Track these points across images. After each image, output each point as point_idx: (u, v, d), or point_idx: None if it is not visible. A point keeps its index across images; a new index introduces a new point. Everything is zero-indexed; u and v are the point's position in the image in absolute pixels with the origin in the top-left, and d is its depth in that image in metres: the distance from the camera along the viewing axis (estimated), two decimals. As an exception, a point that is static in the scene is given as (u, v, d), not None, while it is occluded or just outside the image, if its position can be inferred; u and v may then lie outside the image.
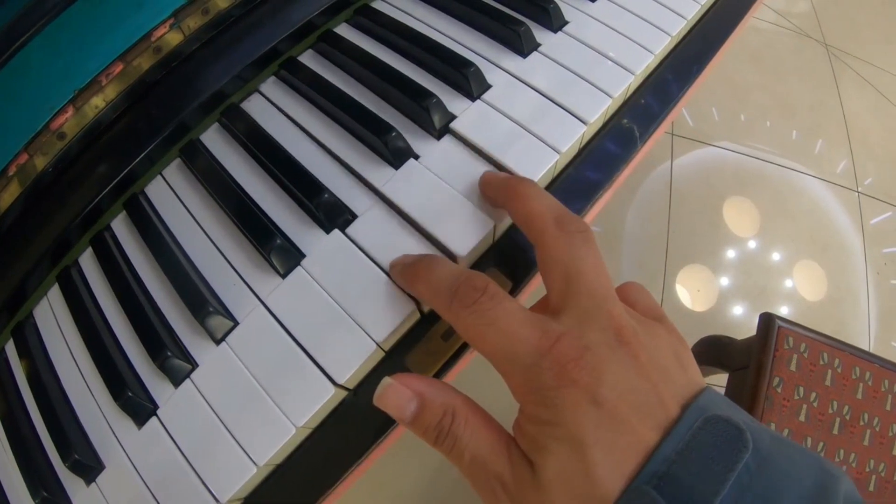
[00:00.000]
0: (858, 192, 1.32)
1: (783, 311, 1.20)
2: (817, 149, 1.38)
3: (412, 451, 0.87)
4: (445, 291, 0.23)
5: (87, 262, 0.35)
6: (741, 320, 1.18)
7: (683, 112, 1.39)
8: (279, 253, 0.27)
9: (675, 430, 0.19)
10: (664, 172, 1.31)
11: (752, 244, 1.26)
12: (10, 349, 0.34)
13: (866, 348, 1.07)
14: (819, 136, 1.40)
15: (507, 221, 0.29)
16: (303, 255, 0.28)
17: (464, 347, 0.28)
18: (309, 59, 0.36)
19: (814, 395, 0.69)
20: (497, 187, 0.26)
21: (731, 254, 1.24)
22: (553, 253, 0.22)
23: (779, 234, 1.27)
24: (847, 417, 0.69)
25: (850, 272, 1.24)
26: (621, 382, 0.20)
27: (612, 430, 0.19)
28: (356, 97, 0.32)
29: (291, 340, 0.26)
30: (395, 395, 0.23)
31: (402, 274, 0.25)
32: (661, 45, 0.36)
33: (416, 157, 0.30)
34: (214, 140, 0.35)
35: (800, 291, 1.23)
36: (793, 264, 1.25)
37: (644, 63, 0.35)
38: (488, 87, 0.33)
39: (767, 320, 0.72)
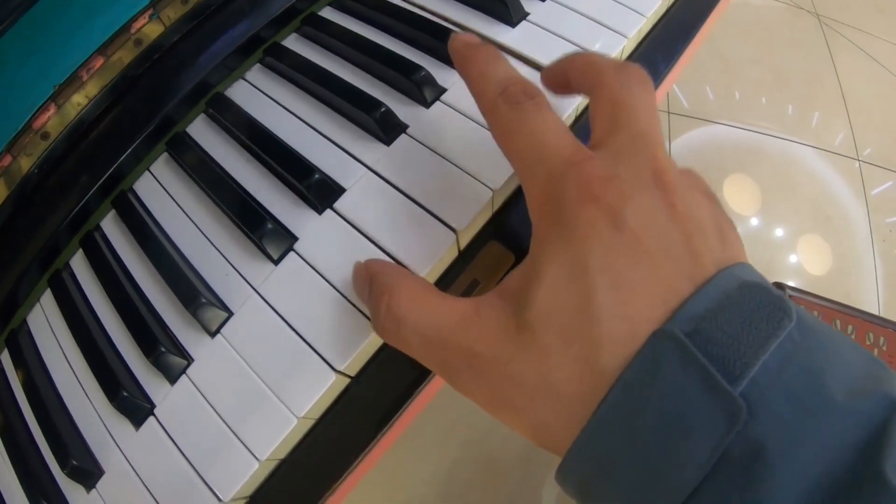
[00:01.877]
0: (859, 161, 1.30)
1: (790, 285, 1.19)
2: (815, 121, 1.36)
3: (426, 449, 0.86)
4: (495, 83, 0.21)
5: (79, 265, 0.34)
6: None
7: (677, 92, 1.38)
8: (270, 238, 0.26)
9: (707, 287, 0.17)
10: (662, 153, 1.29)
11: (754, 221, 1.25)
12: (6, 358, 0.33)
13: (877, 317, 1.06)
14: (816, 108, 1.38)
15: (505, 191, 0.28)
16: (295, 239, 0.27)
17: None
18: (294, 42, 0.35)
19: (827, 365, 0.68)
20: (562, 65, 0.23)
21: (734, 232, 1.22)
22: (607, 92, 0.20)
23: (781, 209, 1.25)
24: (863, 387, 0.68)
25: (854, 243, 1.22)
26: (650, 217, 0.18)
27: (627, 260, 0.17)
28: (343, 76, 0.31)
29: (288, 328, 0.25)
30: (355, 277, 0.23)
31: (461, 51, 0.23)
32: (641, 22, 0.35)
33: (406, 128, 0.29)
34: (201, 131, 0.34)
35: (805, 265, 1.21)
36: (796, 238, 1.23)
37: (636, 27, 0.34)
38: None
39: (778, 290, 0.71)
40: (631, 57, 0.36)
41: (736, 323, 0.15)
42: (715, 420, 0.14)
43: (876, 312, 1.15)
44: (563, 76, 0.23)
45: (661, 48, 0.37)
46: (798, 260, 1.22)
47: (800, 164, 1.31)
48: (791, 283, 1.20)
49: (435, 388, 0.29)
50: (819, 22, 1.52)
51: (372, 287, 0.21)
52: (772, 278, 1.19)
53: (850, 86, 1.41)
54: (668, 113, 1.33)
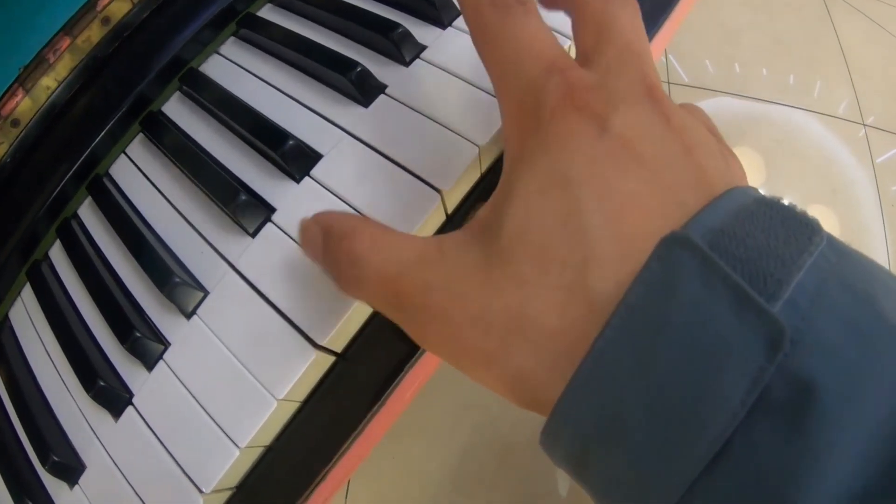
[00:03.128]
0: (865, 127, 1.26)
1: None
2: (818, 88, 1.32)
3: (438, 435, 0.85)
4: None
5: (57, 255, 0.32)
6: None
7: (676, 65, 1.34)
8: (244, 210, 0.25)
9: (718, 201, 0.14)
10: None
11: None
12: (-13, 356, 0.32)
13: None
14: (818, 74, 1.34)
15: (493, 150, 0.26)
16: (272, 210, 0.25)
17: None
18: (268, 12, 0.34)
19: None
20: None
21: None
22: (590, 8, 0.18)
23: (786, 178, 1.21)
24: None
25: (863, 211, 1.18)
26: (643, 126, 0.15)
27: (617, 169, 0.14)
28: (319, 40, 0.30)
29: (266, 304, 0.24)
30: (304, 231, 0.19)
31: None
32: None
33: (384, 88, 0.27)
34: (176, 109, 0.32)
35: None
36: (803, 208, 1.20)
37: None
38: (458, 14, 0.30)
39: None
40: None
41: (759, 237, 0.12)
42: (751, 349, 0.11)
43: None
44: None
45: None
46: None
47: (804, 132, 1.27)
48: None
49: (431, 367, 0.28)
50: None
51: (328, 238, 0.18)
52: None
53: (852, 51, 1.37)
54: (668, 83, 1.30)
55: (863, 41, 1.39)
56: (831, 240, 0.13)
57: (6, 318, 0.33)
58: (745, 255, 0.12)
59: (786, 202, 0.14)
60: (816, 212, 1.18)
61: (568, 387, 0.13)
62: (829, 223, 1.19)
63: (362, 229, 0.18)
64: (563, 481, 0.82)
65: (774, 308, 0.11)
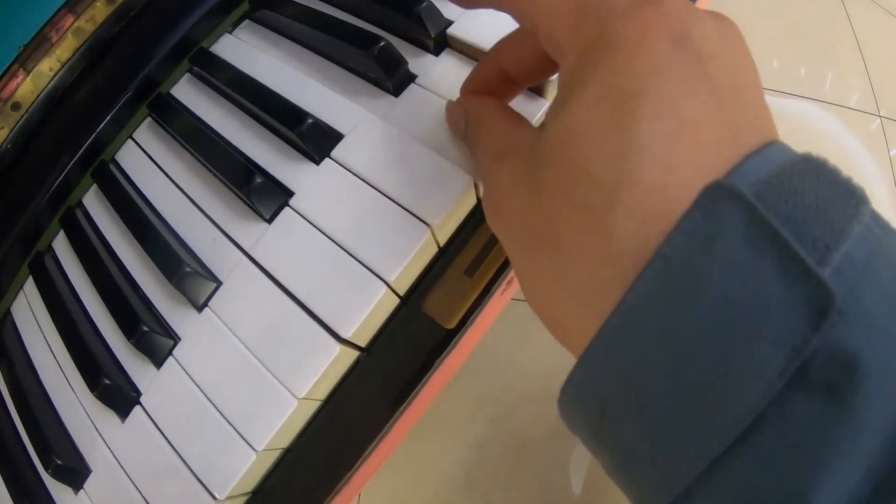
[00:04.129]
0: (880, 118, 1.23)
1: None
2: (830, 79, 1.29)
3: (452, 430, 0.83)
4: None
5: (61, 245, 0.31)
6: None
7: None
8: (260, 193, 0.23)
9: (769, 149, 0.12)
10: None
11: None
12: (-12, 353, 0.30)
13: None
14: (832, 65, 1.31)
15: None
16: (290, 194, 0.23)
17: (491, 285, 0.23)
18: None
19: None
20: None
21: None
22: None
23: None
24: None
25: (876, 202, 1.15)
26: (721, 43, 0.13)
27: (685, 87, 0.12)
28: (339, 18, 0.28)
29: (284, 294, 0.22)
30: (451, 114, 0.21)
31: None
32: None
33: (413, 76, 0.25)
34: (186, 91, 0.30)
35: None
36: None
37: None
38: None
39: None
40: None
41: (809, 195, 0.11)
42: (796, 315, 0.10)
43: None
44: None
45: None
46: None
47: (817, 123, 1.24)
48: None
49: (459, 360, 0.26)
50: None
51: (468, 124, 0.20)
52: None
53: (866, 41, 1.34)
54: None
55: (878, 32, 1.37)
56: (875, 213, 0.12)
57: (8, 313, 0.32)
58: (792, 213, 0.11)
59: (829, 161, 0.12)
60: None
61: (589, 348, 0.12)
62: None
63: (490, 117, 0.19)
64: (577, 478, 0.80)
65: (824, 273, 0.10)
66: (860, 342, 0.10)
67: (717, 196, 0.11)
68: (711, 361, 0.11)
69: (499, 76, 0.20)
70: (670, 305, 0.11)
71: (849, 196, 0.11)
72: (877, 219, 0.12)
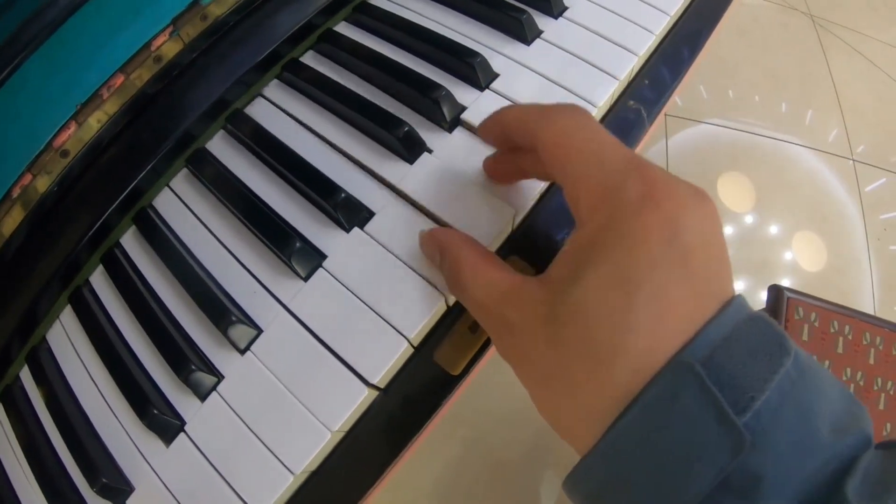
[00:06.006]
0: (853, 160, 1.32)
1: (785, 283, 1.21)
2: (808, 119, 1.38)
3: (434, 446, 0.86)
4: (538, 106, 0.22)
5: (99, 281, 0.34)
6: (746, 295, 1.17)
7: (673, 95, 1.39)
8: (300, 256, 0.27)
9: (724, 314, 0.18)
10: (660, 152, 1.31)
11: (749, 218, 1.26)
12: (26, 376, 0.33)
13: (871, 315, 1.07)
14: (810, 107, 1.40)
15: (527, 208, 0.28)
16: (324, 257, 0.27)
17: (490, 340, 0.28)
18: (311, 59, 0.36)
19: (827, 363, 0.70)
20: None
21: (729, 230, 1.24)
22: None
23: (776, 207, 1.27)
24: (861, 383, 0.70)
25: (849, 240, 1.24)
26: (700, 234, 0.18)
27: (671, 277, 0.17)
28: (362, 94, 0.32)
29: (319, 344, 0.26)
30: (425, 245, 0.25)
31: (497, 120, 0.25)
32: (661, 25, 0.36)
33: (430, 150, 0.30)
34: (221, 147, 0.34)
35: (800, 263, 1.23)
36: (791, 236, 1.25)
37: (647, 44, 0.35)
38: (495, 75, 0.32)
39: (776, 292, 0.72)
40: (640, 72, 0.37)
41: (743, 355, 0.17)
42: (722, 449, 0.16)
43: (871, 310, 1.17)
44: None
45: (668, 62, 0.37)
46: (793, 257, 1.23)
47: (794, 162, 1.32)
48: (787, 282, 1.22)
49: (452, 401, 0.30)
50: (812, 22, 1.54)
51: (443, 258, 0.24)
52: (767, 275, 1.21)
53: (843, 84, 1.43)
54: (665, 114, 1.35)
55: (854, 76, 1.46)
56: (796, 355, 0.17)
57: (44, 339, 0.35)
58: (731, 369, 0.17)
59: (767, 319, 0.18)
60: (806, 239, 1.24)
61: (593, 452, 0.18)
62: (817, 250, 1.24)
63: (468, 259, 0.23)
64: (549, 501, 0.84)
65: (744, 418, 0.16)
66: (764, 467, 0.16)
67: (681, 370, 0.17)
68: (670, 473, 0.17)
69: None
70: (646, 435, 0.17)
71: (775, 349, 0.17)
72: (797, 361, 0.17)
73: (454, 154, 0.29)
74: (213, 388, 0.27)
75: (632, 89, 0.36)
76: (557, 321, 0.19)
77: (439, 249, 0.24)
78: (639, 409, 0.17)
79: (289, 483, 0.25)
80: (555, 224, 0.30)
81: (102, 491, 0.28)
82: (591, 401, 0.18)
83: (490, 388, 0.91)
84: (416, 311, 0.25)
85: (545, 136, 0.21)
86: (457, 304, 0.27)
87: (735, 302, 0.18)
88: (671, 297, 0.17)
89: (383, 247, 0.27)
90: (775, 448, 0.16)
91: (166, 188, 0.34)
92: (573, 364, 0.18)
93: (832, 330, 0.71)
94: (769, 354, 0.17)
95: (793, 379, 0.17)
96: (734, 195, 1.28)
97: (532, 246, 0.29)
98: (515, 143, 0.24)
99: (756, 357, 0.17)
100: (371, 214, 0.28)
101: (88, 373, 0.32)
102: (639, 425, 0.17)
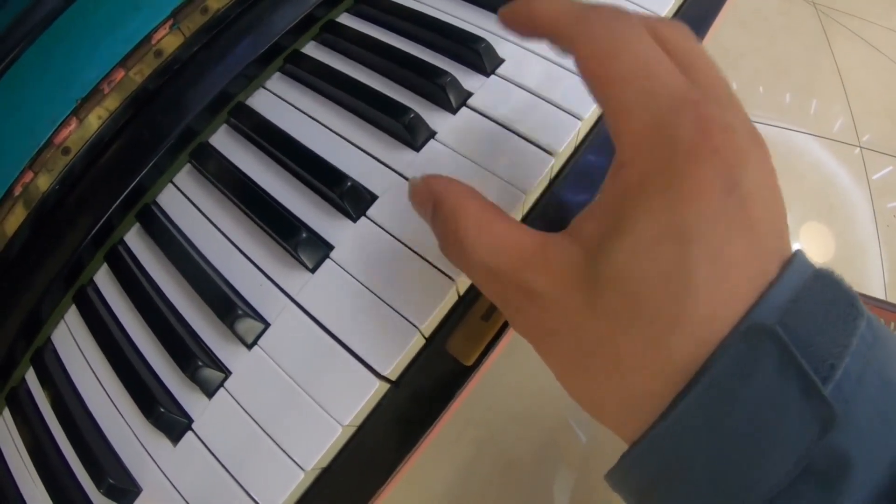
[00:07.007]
0: (860, 148, 1.31)
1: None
2: (813, 108, 1.37)
3: (440, 448, 0.85)
4: (578, 5, 0.18)
5: (103, 280, 0.33)
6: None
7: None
8: (306, 247, 0.26)
9: (788, 273, 0.15)
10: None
11: (756, 211, 1.24)
12: (31, 378, 0.33)
13: (883, 304, 1.06)
14: (814, 96, 1.39)
15: (540, 188, 0.27)
16: (331, 247, 0.27)
17: (504, 328, 0.27)
18: (313, 50, 0.35)
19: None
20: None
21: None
22: (672, 43, 0.18)
23: (783, 196, 1.25)
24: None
25: (858, 229, 1.23)
26: (761, 182, 0.16)
27: (731, 231, 0.15)
28: (366, 82, 0.31)
29: (328, 336, 0.25)
30: (416, 194, 0.20)
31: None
32: (668, 6, 0.35)
33: (437, 138, 0.29)
34: (224, 141, 0.34)
35: (808, 253, 1.21)
36: (799, 226, 1.24)
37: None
38: (501, 61, 0.32)
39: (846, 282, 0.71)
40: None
41: (818, 318, 0.14)
42: (808, 427, 0.14)
43: (882, 297, 1.16)
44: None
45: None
46: (801, 248, 1.21)
47: (800, 152, 1.31)
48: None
49: (465, 394, 0.29)
50: (815, 9, 1.52)
51: (438, 210, 0.19)
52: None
53: (847, 72, 1.42)
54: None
55: (859, 63, 1.44)
56: (869, 319, 0.15)
57: (48, 340, 0.34)
58: (806, 336, 0.14)
59: (835, 275, 0.16)
60: (813, 229, 1.22)
61: (648, 436, 0.15)
62: (826, 241, 1.23)
63: (470, 211, 0.18)
64: (562, 499, 0.83)
65: (827, 390, 0.14)
66: (851, 445, 0.13)
67: (758, 335, 0.14)
68: (743, 459, 0.14)
69: None
70: (714, 416, 0.14)
71: (848, 310, 0.15)
72: (870, 324, 0.15)
73: (461, 140, 0.28)
74: (221, 384, 0.27)
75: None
76: (597, 286, 0.16)
77: (433, 200, 0.19)
78: (704, 386, 0.14)
79: (300, 480, 0.24)
80: (575, 202, 0.29)
81: (109, 492, 0.27)
82: (642, 381, 0.15)
83: (499, 386, 0.90)
84: (427, 301, 0.25)
85: (583, 50, 0.17)
86: (468, 292, 0.27)
87: (797, 259, 0.16)
88: (732, 255, 0.15)
89: (392, 236, 0.26)
90: (858, 424, 0.14)
91: (170, 184, 0.34)
92: (618, 337, 0.15)
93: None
94: (842, 316, 0.14)
95: (869, 343, 0.14)
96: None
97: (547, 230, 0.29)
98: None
99: (829, 320, 0.14)
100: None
101: (94, 373, 0.31)
102: (703, 405, 0.14)
